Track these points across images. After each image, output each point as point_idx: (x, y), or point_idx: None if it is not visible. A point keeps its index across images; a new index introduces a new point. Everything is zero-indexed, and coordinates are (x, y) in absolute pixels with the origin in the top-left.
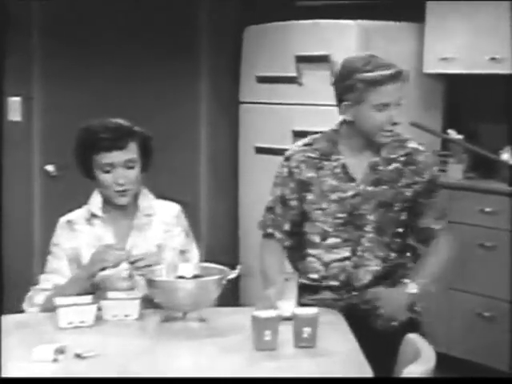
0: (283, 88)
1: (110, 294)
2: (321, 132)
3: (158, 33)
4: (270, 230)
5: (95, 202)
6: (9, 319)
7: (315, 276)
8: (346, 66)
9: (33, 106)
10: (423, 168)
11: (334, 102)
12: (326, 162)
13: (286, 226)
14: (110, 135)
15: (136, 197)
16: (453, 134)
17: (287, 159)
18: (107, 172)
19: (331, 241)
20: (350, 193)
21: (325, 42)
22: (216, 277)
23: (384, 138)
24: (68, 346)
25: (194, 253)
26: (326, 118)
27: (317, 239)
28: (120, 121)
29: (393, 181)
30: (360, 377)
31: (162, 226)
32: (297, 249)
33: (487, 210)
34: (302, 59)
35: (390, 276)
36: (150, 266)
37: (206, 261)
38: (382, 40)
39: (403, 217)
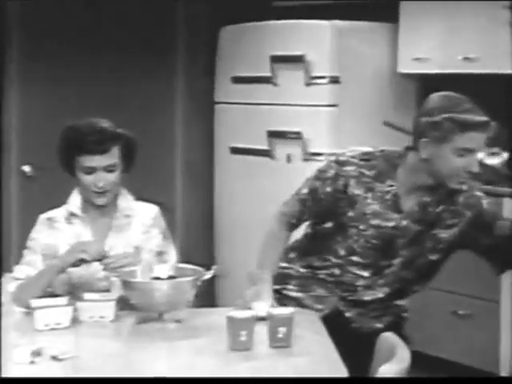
0: (258, 88)
1: (86, 296)
2: (381, 150)
3: (134, 33)
4: (293, 221)
5: (74, 201)
6: None
7: (328, 272)
8: (434, 101)
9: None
10: (462, 209)
11: (308, 103)
12: (378, 184)
13: (306, 217)
14: (93, 138)
15: (115, 197)
16: None
17: (339, 164)
18: (88, 173)
19: (355, 259)
20: (390, 223)
21: (299, 43)
22: (191, 278)
23: (456, 185)
24: (45, 348)
25: (172, 254)
26: (301, 118)
27: (342, 252)
28: (105, 124)
29: (434, 223)
30: (335, 377)
31: (140, 227)
32: (317, 248)
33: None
34: (276, 59)
35: (389, 300)
36: (123, 266)
37: (182, 262)
38: (357, 40)
39: (433, 257)
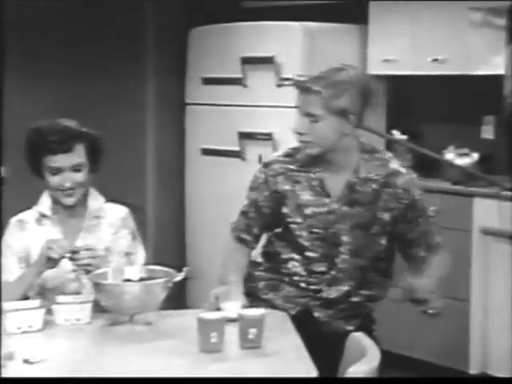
0: (229, 89)
1: (59, 298)
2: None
3: (104, 35)
4: (242, 235)
5: (45, 202)
6: None
7: (294, 278)
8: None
9: None
10: (402, 193)
11: (279, 104)
12: (304, 174)
13: (256, 230)
14: (56, 138)
15: (85, 198)
16: (397, 134)
17: (265, 166)
18: (54, 174)
19: (309, 254)
20: (322, 209)
21: (270, 44)
22: (162, 279)
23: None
24: (17, 352)
25: (140, 255)
26: (271, 119)
27: (295, 252)
28: (68, 122)
29: (370, 203)
30: (306, 377)
31: (109, 228)
32: (278, 253)
33: (431, 208)
34: (247, 61)
35: (355, 293)
36: (91, 264)
37: (153, 263)
38: (327, 41)
39: (383, 241)
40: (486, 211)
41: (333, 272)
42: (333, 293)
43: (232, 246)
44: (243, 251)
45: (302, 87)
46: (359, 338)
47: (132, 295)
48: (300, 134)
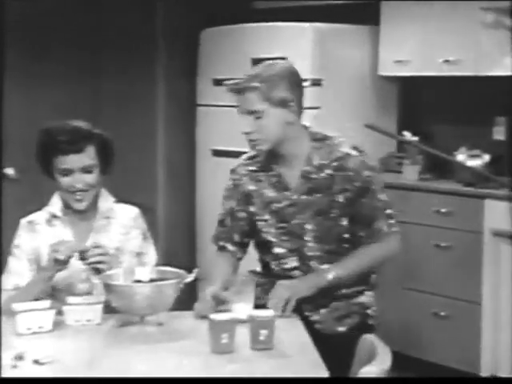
0: None
1: (71, 299)
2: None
3: (115, 36)
4: (221, 243)
5: (56, 203)
6: None
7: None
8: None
9: None
10: (353, 175)
11: None
12: (263, 173)
13: (236, 237)
14: (66, 138)
15: (95, 199)
16: (408, 135)
17: (232, 172)
18: (65, 175)
19: (277, 251)
20: (285, 202)
21: (281, 45)
22: (173, 281)
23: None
24: (27, 352)
25: (151, 255)
26: None
27: (268, 251)
28: (78, 123)
29: (326, 188)
30: (317, 377)
31: (120, 228)
32: (263, 258)
33: (443, 210)
34: (257, 62)
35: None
36: (101, 262)
37: (164, 264)
38: (338, 42)
39: (344, 222)
40: (497, 213)
41: (305, 262)
42: None
43: (216, 256)
44: (225, 258)
45: (240, 88)
46: (371, 339)
47: (143, 296)
48: (247, 133)
